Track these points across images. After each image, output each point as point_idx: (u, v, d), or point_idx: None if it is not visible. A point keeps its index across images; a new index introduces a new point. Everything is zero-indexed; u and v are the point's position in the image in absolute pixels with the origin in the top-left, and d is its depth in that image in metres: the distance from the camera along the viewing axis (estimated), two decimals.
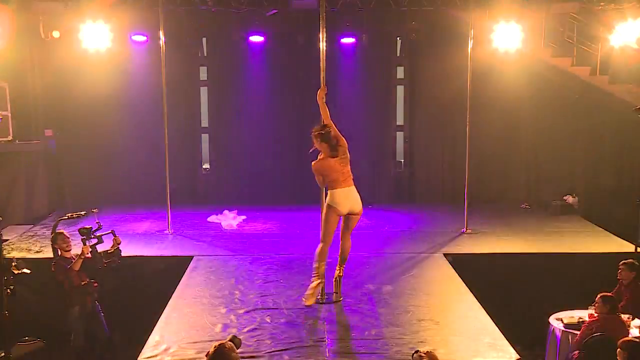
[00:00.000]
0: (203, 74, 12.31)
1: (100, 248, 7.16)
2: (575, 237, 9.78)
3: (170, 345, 5.81)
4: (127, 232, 9.80)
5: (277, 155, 12.24)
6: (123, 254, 7.38)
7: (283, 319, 6.43)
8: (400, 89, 12.43)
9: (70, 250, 7.14)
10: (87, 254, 6.95)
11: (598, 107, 11.60)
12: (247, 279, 7.70)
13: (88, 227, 7.07)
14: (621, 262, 7.41)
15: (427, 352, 4.57)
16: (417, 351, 4.66)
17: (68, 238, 7.14)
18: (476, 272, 8.13)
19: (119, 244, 7.25)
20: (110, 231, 7.27)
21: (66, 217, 7.67)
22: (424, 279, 7.80)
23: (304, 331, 6.15)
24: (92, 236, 7.04)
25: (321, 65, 6.82)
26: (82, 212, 7.55)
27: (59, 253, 7.10)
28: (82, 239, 6.98)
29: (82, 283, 6.98)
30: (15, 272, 6.34)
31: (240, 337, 5.22)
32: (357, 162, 11.85)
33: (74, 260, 6.95)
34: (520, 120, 12.15)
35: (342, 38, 11.33)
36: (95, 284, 7.09)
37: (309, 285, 6.69)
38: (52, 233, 7.37)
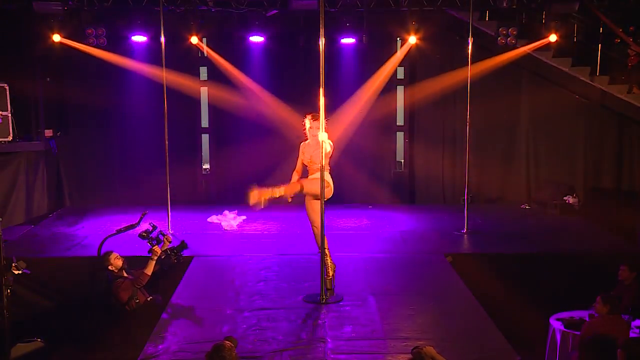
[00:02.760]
0: (203, 74, 12.31)
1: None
2: (575, 237, 9.77)
3: (170, 345, 5.82)
4: (127, 233, 9.77)
5: (277, 155, 12.21)
6: (124, 255, 7.34)
7: (283, 319, 6.44)
8: (400, 89, 12.43)
9: (126, 267, 6.95)
10: (158, 254, 6.84)
11: (598, 107, 11.61)
12: (247, 279, 7.71)
13: (146, 230, 6.95)
14: (622, 262, 7.41)
15: (425, 347, 4.58)
16: (416, 347, 4.67)
17: (119, 255, 6.96)
18: (476, 272, 8.13)
19: (170, 242, 7.10)
20: (159, 231, 7.10)
21: (116, 233, 7.35)
22: (424, 279, 7.80)
23: (304, 331, 6.16)
24: (151, 237, 6.93)
25: (321, 65, 6.82)
26: (135, 223, 7.31)
27: (115, 273, 6.87)
28: (148, 242, 6.88)
29: (148, 299, 6.84)
30: (16, 272, 6.34)
31: (240, 337, 5.24)
32: (357, 162, 12.02)
33: (128, 277, 6.78)
34: (520, 120, 12.15)
35: (342, 38, 11.32)
36: (160, 297, 6.93)
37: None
38: (98, 255, 7.08)
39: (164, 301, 6.93)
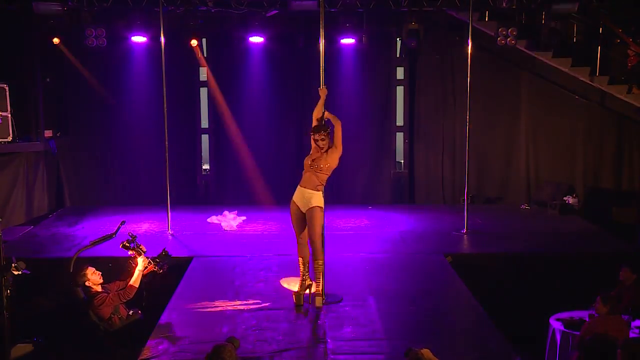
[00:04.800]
0: (203, 74, 12.31)
1: None
2: (575, 237, 9.77)
3: (170, 345, 5.82)
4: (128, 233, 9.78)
5: (277, 156, 12.24)
6: (125, 255, 7.22)
7: (283, 320, 6.43)
8: (400, 89, 12.43)
9: (102, 282, 6.54)
10: (147, 266, 6.49)
11: (598, 107, 11.61)
12: (247, 280, 7.71)
13: (128, 240, 6.61)
14: (622, 263, 7.41)
15: (422, 350, 4.56)
16: (410, 349, 4.65)
17: (96, 269, 6.51)
18: (476, 272, 8.13)
19: (144, 252, 6.70)
20: (135, 243, 6.73)
21: (90, 245, 6.83)
22: (424, 279, 7.80)
23: (304, 331, 6.16)
24: (133, 248, 6.59)
25: (321, 65, 6.82)
26: (112, 233, 6.87)
27: (92, 290, 6.38)
28: (135, 253, 6.56)
29: (130, 313, 6.51)
30: (15, 272, 6.33)
31: (240, 337, 5.23)
32: (357, 162, 12.01)
33: (109, 292, 6.38)
34: (520, 120, 12.15)
35: (342, 39, 11.32)
36: (140, 312, 6.59)
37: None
38: (72, 269, 6.43)
39: (161, 303, 6.88)
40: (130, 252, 6.66)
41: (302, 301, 6.77)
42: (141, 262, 6.53)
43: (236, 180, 12.32)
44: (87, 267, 6.49)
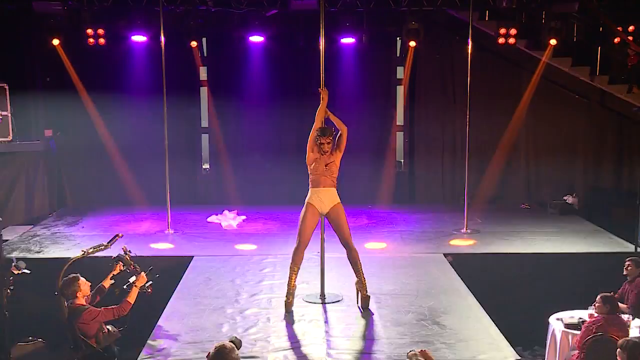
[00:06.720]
0: (203, 74, 12.31)
1: None
2: (575, 237, 9.77)
3: (170, 345, 5.82)
4: (127, 233, 9.75)
5: (277, 155, 12.24)
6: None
7: (283, 319, 6.43)
8: (400, 89, 12.43)
9: (90, 293, 6.23)
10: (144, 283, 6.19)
11: (598, 107, 11.61)
12: (247, 279, 7.71)
13: (127, 253, 6.42)
14: (628, 258, 7.41)
15: (421, 351, 4.56)
16: (411, 351, 4.65)
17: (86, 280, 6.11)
18: (476, 272, 8.13)
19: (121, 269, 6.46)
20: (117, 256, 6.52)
21: (82, 255, 6.50)
22: (424, 279, 7.80)
23: (304, 331, 6.16)
24: (130, 262, 6.37)
25: (321, 65, 6.82)
26: (104, 244, 6.58)
27: (79, 302, 6.00)
28: (128, 268, 6.32)
29: (110, 329, 6.19)
30: (16, 272, 6.34)
31: (240, 337, 5.23)
32: (357, 162, 12.01)
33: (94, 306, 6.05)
34: (521, 120, 12.14)
35: (342, 38, 11.31)
36: (117, 329, 6.26)
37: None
38: (61, 279, 6.06)
39: (161, 303, 6.86)
40: (124, 267, 6.39)
41: (291, 308, 6.60)
42: (140, 279, 6.23)
43: (236, 179, 12.31)
44: (79, 278, 6.12)
